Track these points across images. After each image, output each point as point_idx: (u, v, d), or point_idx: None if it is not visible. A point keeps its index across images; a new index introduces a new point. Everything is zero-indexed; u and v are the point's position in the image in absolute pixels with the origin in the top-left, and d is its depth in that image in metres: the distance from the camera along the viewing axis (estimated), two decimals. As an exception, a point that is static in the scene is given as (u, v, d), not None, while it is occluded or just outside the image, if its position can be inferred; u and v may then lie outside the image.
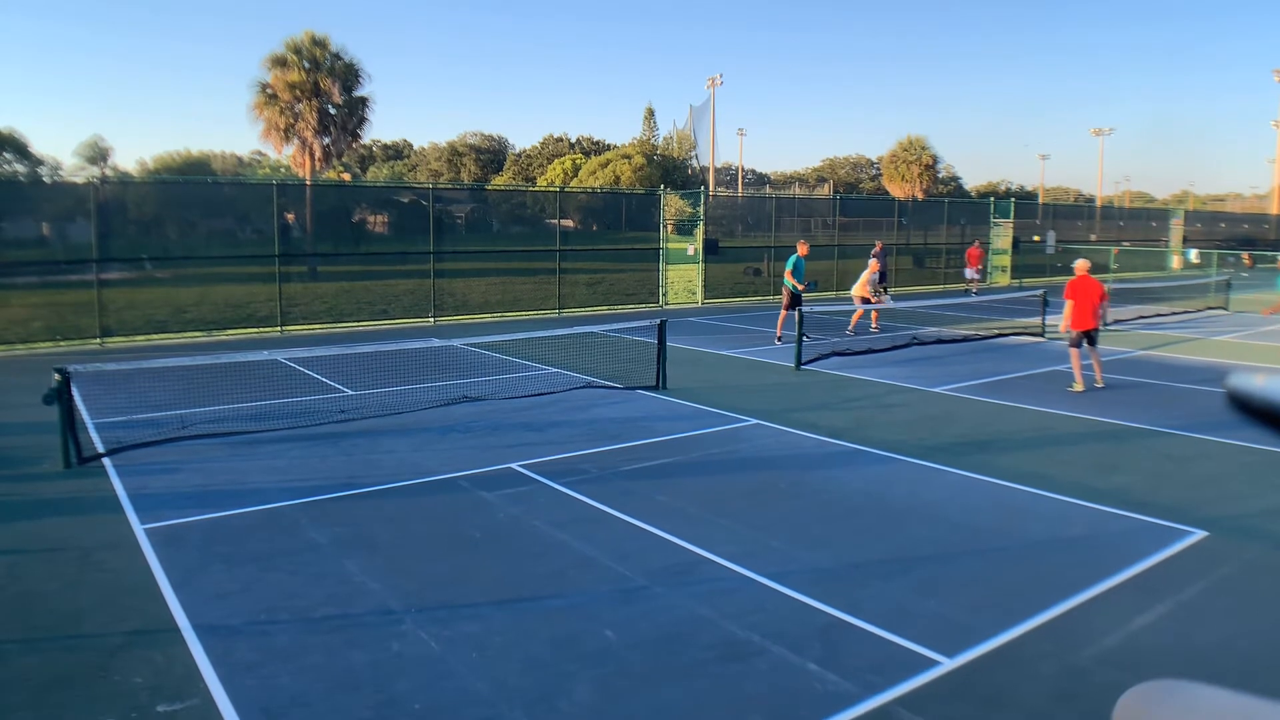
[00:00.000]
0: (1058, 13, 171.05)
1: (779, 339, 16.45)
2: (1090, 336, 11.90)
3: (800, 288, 16.10)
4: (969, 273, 26.25)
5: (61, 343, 15.91)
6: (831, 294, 26.68)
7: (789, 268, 16.20)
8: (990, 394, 11.68)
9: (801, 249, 16.37)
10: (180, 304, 19.80)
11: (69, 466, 7.94)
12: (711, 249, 25.02)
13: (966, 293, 25.56)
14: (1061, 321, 12.04)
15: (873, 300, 17.88)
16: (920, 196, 48.46)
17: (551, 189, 42.38)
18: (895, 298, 24.17)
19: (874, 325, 18.39)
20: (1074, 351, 11.99)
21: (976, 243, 27.60)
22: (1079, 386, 11.80)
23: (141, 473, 7.86)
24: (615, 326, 17.65)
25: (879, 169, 70.41)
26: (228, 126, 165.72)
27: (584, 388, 11.75)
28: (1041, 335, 16.99)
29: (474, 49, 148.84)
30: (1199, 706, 0.72)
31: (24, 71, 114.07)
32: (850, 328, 17.90)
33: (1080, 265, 12.01)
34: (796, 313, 14.07)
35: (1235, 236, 51.79)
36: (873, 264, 17.98)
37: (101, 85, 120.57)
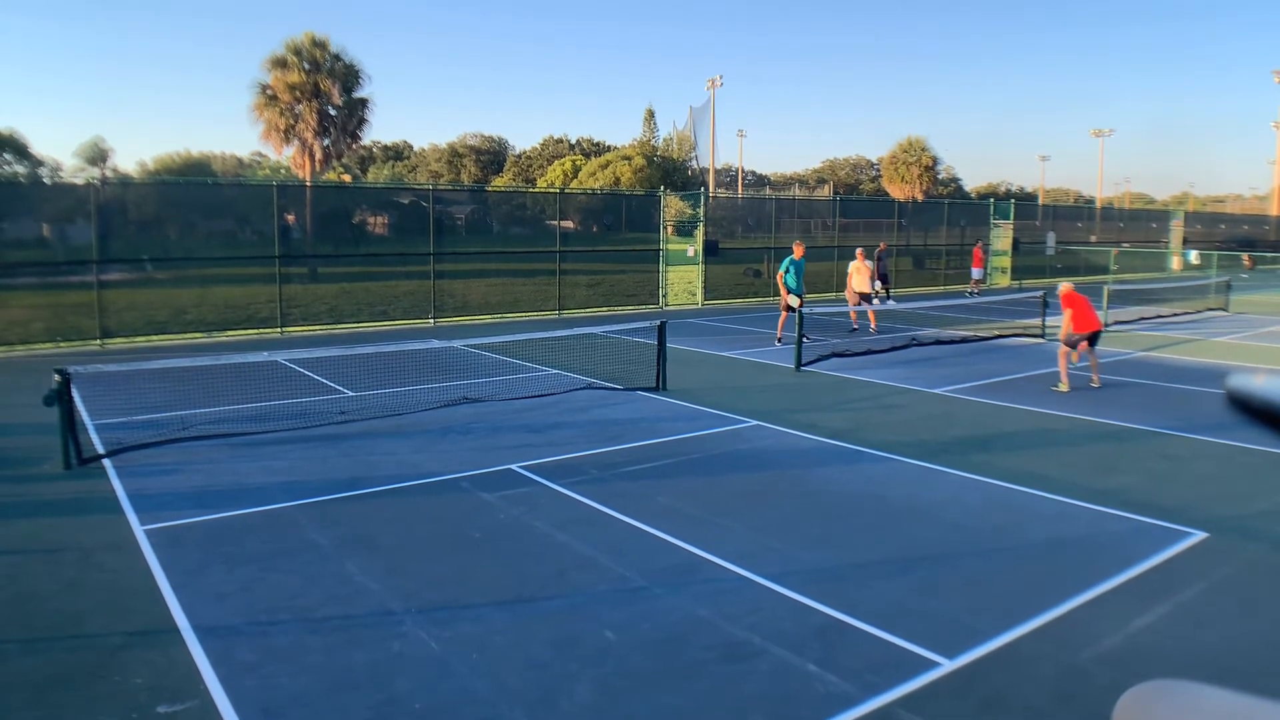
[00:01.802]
0: (1058, 13, 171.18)
1: (779, 340, 16.44)
2: (1093, 338, 11.95)
3: (786, 299, 16.01)
4: (976, 272, 26.35)
5: (61, 344, 15.91)
6: (832, 295, 26.68)
7: (782, 269, 16.20)
8: (990, 395, 11.68)
9: (797, 250, 16.29)
10: (180, 305, 19.80)
11: (69, 467, 7.94)
12: (711, 250, 25.01)
13: (968, 293, 25.57)
14: (1062, 329, 12.05)
15: (872, 297, 17.88)
16: (920, 198, 48.44)
17: (551, 190, 42.42)
18: (896, 299, 24.19)
19: (872, 326, 18.10)
20: (1065, 350, 12.07)
21: (979, 243, 27.66)
22: (1064, 387, 11.90)
23: (142, 474, 7.86)
24: (615, 328, 17.65)
25: (879, 170, 70.42)
26: (228, 128, 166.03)
27: (584, 389, 11.75)
28: (1041, 336, 16.99)
29: (474, 50, 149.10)
30: (1199, 706, 0.72)
31: (24, 71, 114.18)
32: (855, 326, 17.95)
33: (1065, 285, 12.08)
34: (797, 314, 14.08)
35: (1235, 238, 51.77)
36: (859, 254, 17.91)
37: (102, 86, 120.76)
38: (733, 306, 24.23)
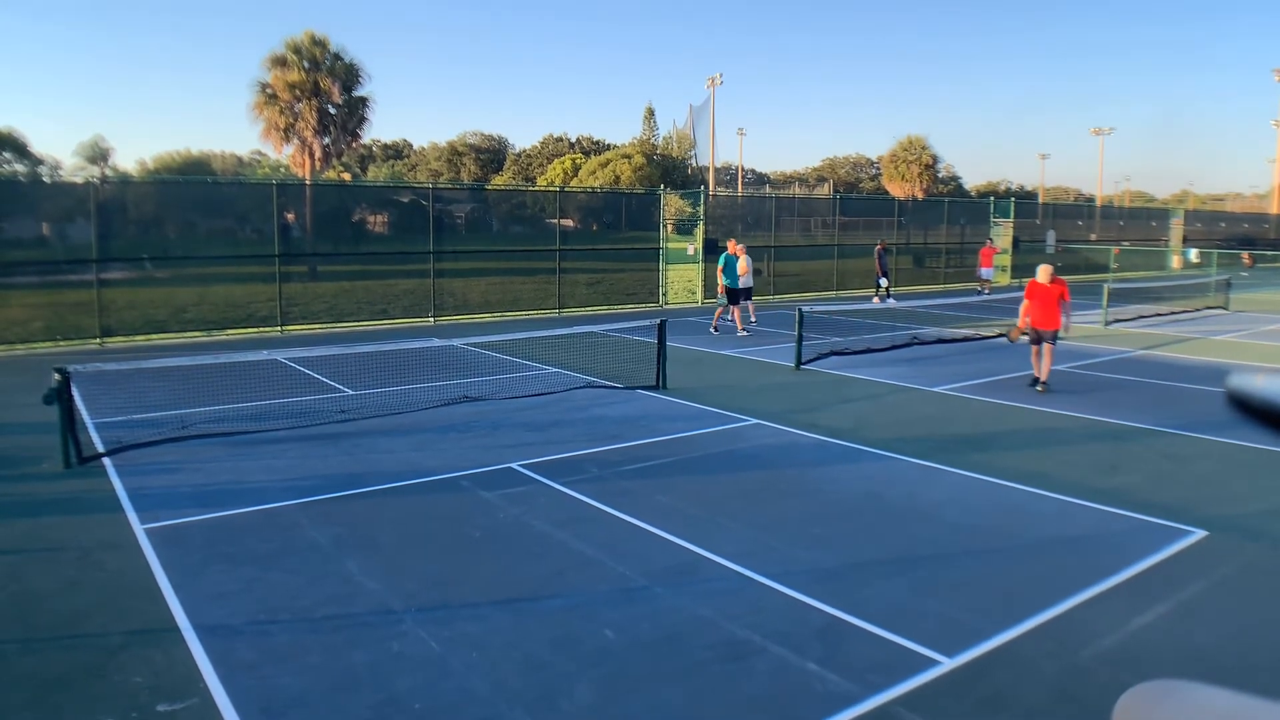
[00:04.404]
0: (1058, 13, 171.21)
1: (742, 330, 17.64)
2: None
3: (723, 289, 17.58)
4: (985, 272, 26.30)
5: (61, 343, 15.91)
6: (831, 294, 26.70)
7: (723, 264, 17.56)
8: (990, 394, 11.68)
9: (731, 247, 17.73)
10: (180, 304, 19.79)
11: (69, 466, 7.94)
12: (711, 249, 24.99)
13: (977, 292, 25.52)
14: (1066, 324, 12.02)
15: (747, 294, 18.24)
16: (920, 196, 48.44)
17: (551, 189, 42.37)
18: (896, 297, 24.20)
19: (741, 329, 17.76)
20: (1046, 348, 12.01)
21: (988, 242, 27.60)
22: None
23: (141, 473, 7.86)
24: (615, 326, 17.65)
25: (879, 168, 70.43)
26: (228, 126, 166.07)
27: (584, 387, 11.75)
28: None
29: (474, 49, 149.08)
30: (1199, 706, 0.72)
31: (24, 71, 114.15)
32: (717, 327, 17.95)
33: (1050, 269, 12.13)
34: (797, 312, 14.09)
35: (1235, 236, 51.77)
36: (740, 249, 17.63)
37: (102, 85, 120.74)
38: (733, 305, 24.21)
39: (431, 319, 20.00)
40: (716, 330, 17.89)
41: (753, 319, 18.55)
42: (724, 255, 17.60)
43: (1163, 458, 8.63)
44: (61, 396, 7.88)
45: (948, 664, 4.52)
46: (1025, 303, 11.97)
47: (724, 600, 5.29)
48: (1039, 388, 11.77)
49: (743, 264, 17.68)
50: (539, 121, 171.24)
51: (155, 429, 9.22)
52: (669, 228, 25.28)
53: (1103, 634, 4.86)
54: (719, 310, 18.19)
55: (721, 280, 17.60)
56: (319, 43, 30.58)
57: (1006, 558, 6.06)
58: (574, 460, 8.33)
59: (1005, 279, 31.79)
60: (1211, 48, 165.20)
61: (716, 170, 60.49)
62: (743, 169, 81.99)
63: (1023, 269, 32.51)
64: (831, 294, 26.68)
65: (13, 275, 18.60)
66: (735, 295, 17.65)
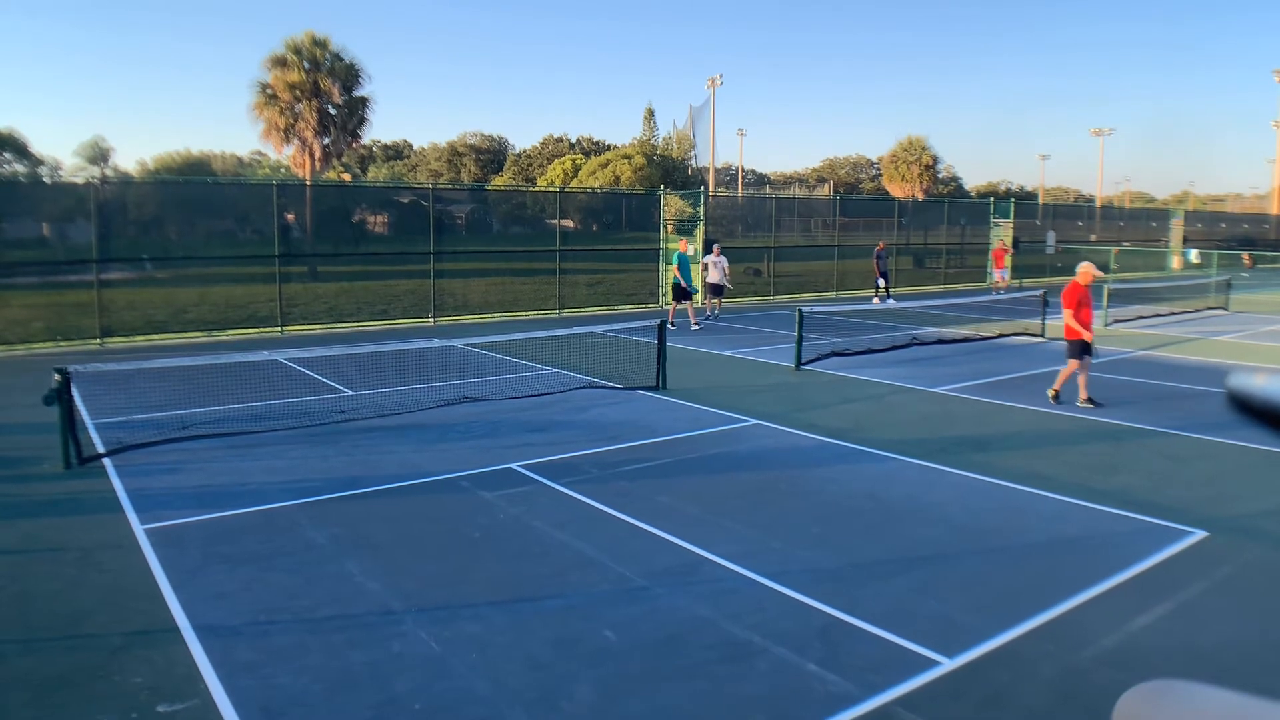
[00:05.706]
0: (1058, 12, 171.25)
1: (672, 324, 17.88)
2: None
3: (684, 285, 18.60)
4: (998, 273, 26.33)
5: (61, 343, 15.91)
6: (831, 295, 26.69)
7: (675, 263, 18.64)
8: (990, 394, 11.68)
9: (683, 246, 19.10)
10: (180, 304, 19.80)
11: (69, 467, 7.94)
12: (708, 250, 24.99)
13: (996, 292, 25.45)
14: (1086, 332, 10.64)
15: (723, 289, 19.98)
16: (920, 197, 48.45)
17: (551, 189, 42.35)
18: (896, 298, 24.20)
19: (693, 324, 18.80)
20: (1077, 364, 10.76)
21: (1000, 242, 27.60)
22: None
23: (142, 473, 7.86)
24: (615, 327, 17.65)
25: (879, 169, 70.43)
26: (228, 127, 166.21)
27: (584, 388, 11.75)
28: (1042, 335, 16.98)
29: (474, 49, 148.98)
30: (1199, 707, 0.72)
31: (24, 71, 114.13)
32: (694, 323, 18.76)
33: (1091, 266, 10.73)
34: (797, 312, 14.09)
35: (1235, 237, 51.80)
36: (715, 248, 20.09)
37: (102, 85, 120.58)
38: (733, 305, 24.21)
39: (431, 319, 20.00)
40: (698, 326, 18.60)
41: (698, 316, 19.61)
42: (678, 254, 18.73)
43: (1163, 458, 8.63)
44: (62, 397, 7.88)
45: (948, 664, 4.52)
46: (1068, 310, 10.49)
47: (724, 600, 5.29)
48: (1088, 403, 10.70)
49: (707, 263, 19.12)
50: (539, 122, 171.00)
51: (155, 429, 9.22)
52: (669, 228, 25.26)
53: (1103, 634, 4.86)
54: (690, 307, 18.99)
55: (678, 277, 18.63)
56: (319, 43, 30.59)
57: (1006, 558, 6.06)
58: (574, 461, 8.33)
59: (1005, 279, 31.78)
60: (1211, 47, 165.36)
61: (716, 171, 60.52)
62: (743, 169, 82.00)
63: (1023, 270, 32.53)
64: (832, 294, 26.68)
65: (13, 275, 18.62)
66: (684, 292, 18.74)
